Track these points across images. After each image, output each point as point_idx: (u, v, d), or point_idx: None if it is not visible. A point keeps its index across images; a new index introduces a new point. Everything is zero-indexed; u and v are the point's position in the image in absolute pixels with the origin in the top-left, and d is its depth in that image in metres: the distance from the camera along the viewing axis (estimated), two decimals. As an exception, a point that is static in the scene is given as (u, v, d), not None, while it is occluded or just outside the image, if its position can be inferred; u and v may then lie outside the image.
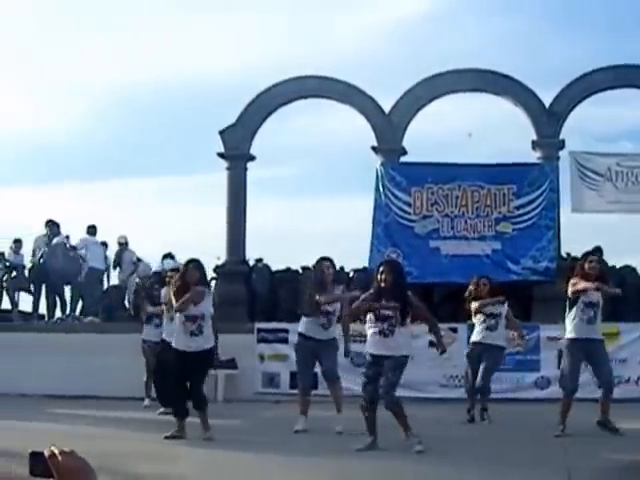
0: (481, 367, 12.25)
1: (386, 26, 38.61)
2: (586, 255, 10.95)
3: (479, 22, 40.52)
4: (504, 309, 12.58)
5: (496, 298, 12.59)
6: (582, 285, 10.46)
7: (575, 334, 10.52)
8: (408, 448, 8.97)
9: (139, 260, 19.46)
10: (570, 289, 10.61)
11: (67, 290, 19.32)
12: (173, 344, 10.75)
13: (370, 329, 9.47)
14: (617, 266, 18.61)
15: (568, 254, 18.69)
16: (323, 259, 11.55)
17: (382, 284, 9.37)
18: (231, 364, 15.68)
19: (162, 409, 12.58)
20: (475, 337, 12.63)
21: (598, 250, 11.11)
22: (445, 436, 9.10)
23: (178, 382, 10.52)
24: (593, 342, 10.55)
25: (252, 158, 19.40)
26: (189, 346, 10.43)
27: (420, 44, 39.78)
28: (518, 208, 18.05)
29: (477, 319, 12.58)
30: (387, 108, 19.11)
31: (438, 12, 41.86)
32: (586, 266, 10.52)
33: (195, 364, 10.42)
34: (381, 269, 9.59)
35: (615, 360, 13.50)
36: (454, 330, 15.49)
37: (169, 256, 17.85)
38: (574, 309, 10.54)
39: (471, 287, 12.88)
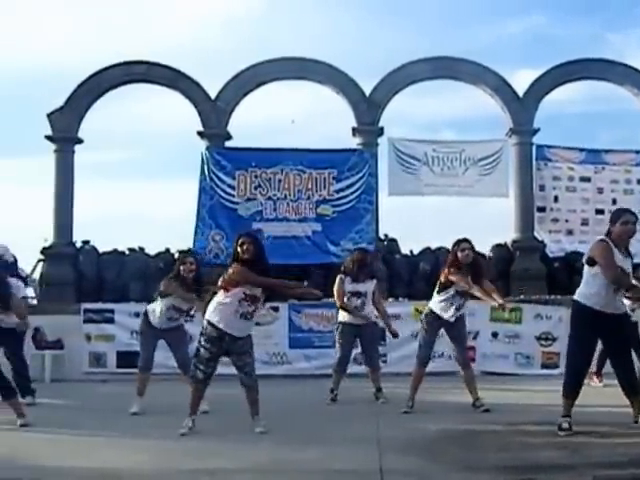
0: (362, 347, 12.11)
1: (217, 17, 39.18)
2: (458, 243, 10.57)
3: (307, 17, 41.45)
4: (371, 286, 12.05)
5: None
6: (460, 281, 10.38)
7: (439, 312, 10.57)
8: (232, 428, 9.10)
9: None
10: (446, 277, 10.54)
11: None
12: None
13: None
14: (432, 247, 19.53)
15: (386, 235, 19.53)
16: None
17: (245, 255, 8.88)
18: (58, 345, 15.80)
19: None
20: (344, 318, 12.04)
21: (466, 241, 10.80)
22: (266, 411, 9.18)
23: None
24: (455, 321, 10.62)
25: (80, 141, 19.49)
26: None
27: (250, 36, 40.40)
28: (338, 192, 18.75)
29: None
30: (213, 94, 19.54)
31: (267, 8, 42.73)
32: (459, 254, 10.42)
33: None
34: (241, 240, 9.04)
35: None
36: (275, 309, 15.96)
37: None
38: (444, 293, 10.57)
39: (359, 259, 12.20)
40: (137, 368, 11.32)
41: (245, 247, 8.84)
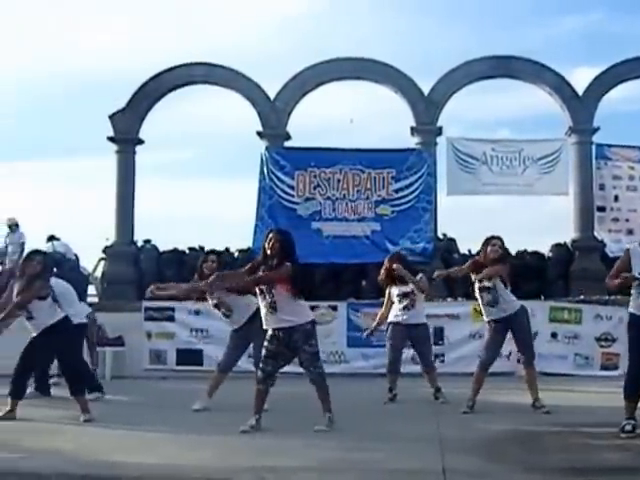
0: (415, 348, 12.18)
1: (274, 19, 39.47)
2: (491, 238, 10.49)
3: (363, 17, 41.60)
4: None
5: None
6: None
7: (486, 316, 10.54)
8: (295, 426, 9.13)
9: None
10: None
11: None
12: None
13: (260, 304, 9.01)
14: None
15: (444, 235, 19.50)
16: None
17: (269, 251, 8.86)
18: (118, 342, 15.98)
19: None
20: (394, 318, 11.96)
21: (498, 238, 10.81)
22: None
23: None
24: (507, 320, 10.47)
25: (141, 142, 19.77)
26: None
27: (307, 37, 40.66)
28: (397, 191, 18.80)
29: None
30: (272, 95, 19.65)
31: (323, 9, 42.95)
32: (488, 249, 10.34)
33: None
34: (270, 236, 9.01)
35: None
36: (334, 308, 15.99)
37: (54, 238, 17.88)
38: (477, 295, 10.61)
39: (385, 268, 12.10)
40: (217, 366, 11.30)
41: (271, 243, 8.87)
